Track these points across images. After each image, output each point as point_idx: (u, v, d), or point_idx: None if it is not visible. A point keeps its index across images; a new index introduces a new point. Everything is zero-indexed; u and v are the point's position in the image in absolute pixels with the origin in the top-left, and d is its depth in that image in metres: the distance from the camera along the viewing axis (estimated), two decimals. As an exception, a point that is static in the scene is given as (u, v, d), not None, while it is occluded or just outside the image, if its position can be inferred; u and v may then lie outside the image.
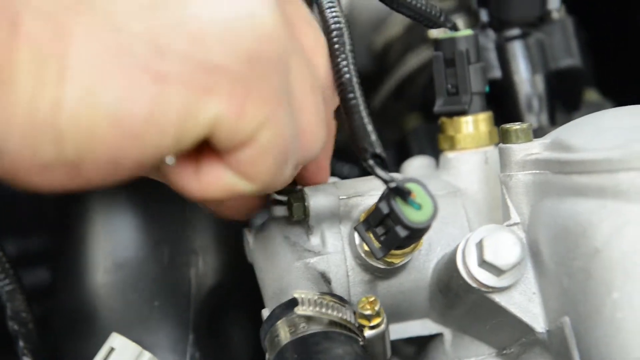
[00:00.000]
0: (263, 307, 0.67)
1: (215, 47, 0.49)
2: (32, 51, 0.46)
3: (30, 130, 0.47)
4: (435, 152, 0.75)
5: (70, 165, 0.49)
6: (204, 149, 0.54)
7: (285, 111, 0.54)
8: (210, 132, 0.51)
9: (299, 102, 0.56)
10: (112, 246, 0.77)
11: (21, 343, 0.72)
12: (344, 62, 0.60)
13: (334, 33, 0.61)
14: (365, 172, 0.60)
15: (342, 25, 0.61)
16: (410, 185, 0.58)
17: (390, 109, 0.92)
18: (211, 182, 0.55)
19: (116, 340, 0.71)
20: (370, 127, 0.59)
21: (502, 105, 0.78)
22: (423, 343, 0.72)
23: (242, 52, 0.50)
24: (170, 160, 0.53)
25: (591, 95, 0.86)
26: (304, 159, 0.59)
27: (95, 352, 0.71)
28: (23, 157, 0.48)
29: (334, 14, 0.62)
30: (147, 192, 0.78)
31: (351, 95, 0.60)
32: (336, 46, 0.61)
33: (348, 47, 0.61)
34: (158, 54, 0.48)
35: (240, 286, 0.78)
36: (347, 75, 0.60)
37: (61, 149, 0.48)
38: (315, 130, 0.58)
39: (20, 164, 0.48)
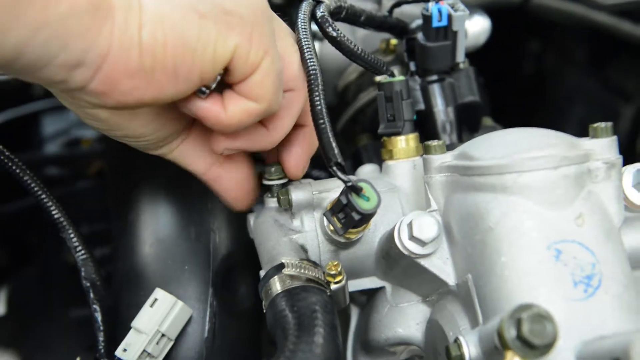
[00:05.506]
0: (260, 269, 0.67)
1: (233, 1, 0.55)
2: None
3: (125, 44, 0.51)
4: (379, 161, 0.75)
5: (147, 72, 0.52)
6: (225, 91, 0.57)
7: (276, 48, 0.58)
8: (231, 57, 0.55)
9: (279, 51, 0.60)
10: (155, 227, 0.77)
11: (92, 295, 0.72)
12: (317, 97, 0.60)
13: (312, 76, 0.61)
14: (331, 175, 0.60)
15: (317, 70, 0.61)
16: (361, 184, 0.59)
17: (348, 131, 0.92)
18: (233, 109, 0.57)
19: (159, 293, 0.71)
20: (334, 144, 0.59)
21: (425, 128, 0.79)
22: (372, 293, 0.72)
23: (250, 5, 0.56)
24: (205, 90, 0.56)
25: (487, 121, 0.86)
26: (287, 96, 0.62)
27: (143, 302, 0.71)
28: (118, 64, 0.52)
29: (312, 62, 0.62)
30: (181, 190, 0.78)
31: (321, 121, 0.60)
32: (312, 85, 0.61)
33: (320, 86, 0.61)
34: (199, 1, 0.53)
35: (245, 254, 0.77)
36: (319, 107, 0.60)
37: (142, 58, 0.52)
38: (293, 67, 0.62)
39: (116, 70, 0.51)
